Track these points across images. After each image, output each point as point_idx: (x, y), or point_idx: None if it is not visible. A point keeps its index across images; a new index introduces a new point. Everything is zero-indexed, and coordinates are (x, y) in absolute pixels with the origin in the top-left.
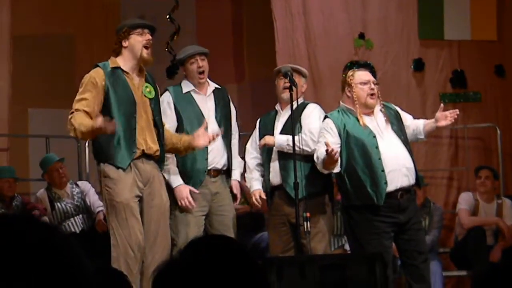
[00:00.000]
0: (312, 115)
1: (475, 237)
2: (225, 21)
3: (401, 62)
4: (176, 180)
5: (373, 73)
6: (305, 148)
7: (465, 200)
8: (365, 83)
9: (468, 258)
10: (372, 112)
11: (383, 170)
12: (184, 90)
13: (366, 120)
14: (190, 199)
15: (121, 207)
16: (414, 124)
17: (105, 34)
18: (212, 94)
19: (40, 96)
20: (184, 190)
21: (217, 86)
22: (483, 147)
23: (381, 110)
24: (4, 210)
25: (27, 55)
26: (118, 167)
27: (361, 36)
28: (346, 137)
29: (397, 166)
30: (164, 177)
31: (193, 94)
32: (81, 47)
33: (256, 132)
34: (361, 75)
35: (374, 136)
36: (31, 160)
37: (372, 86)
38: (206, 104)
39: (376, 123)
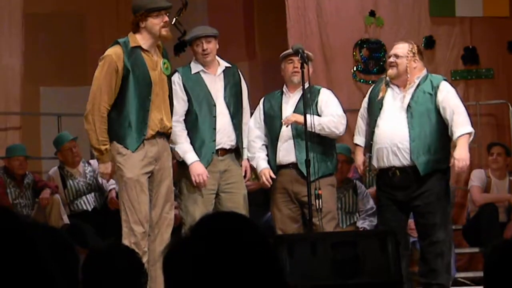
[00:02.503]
0: (332, 99)
1: (487, 214)
2: None
3: (411, 40)
4: (192, 157)
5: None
6: (334, 130)
7: (477, 177)
8: (389, 57)
9: (480, 235)
10: (404, 85)
11: (371, 142)
12: (193, 71)
13: (390, 93)
14: (205, 177)
15: (131, 183)
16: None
17: (117, 12)
18: (222, 74)
19: (52, 74)
20: (200, 167)
21: (227, 64)
22: (495, 124)
23: (417, 87)
24: (16, 188)
25: (39, 33)
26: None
27: (372, 13)
28: (368, 102)
29: (386, 144)
30: (176, 154)
31: (202, 74)
32: (92, 26)
33: (260, 112)
34: (393, 49)
35: (381, 108)
36: (43, 138)
37: (392, 59)
38: (215, 84)
39: (399, 97)
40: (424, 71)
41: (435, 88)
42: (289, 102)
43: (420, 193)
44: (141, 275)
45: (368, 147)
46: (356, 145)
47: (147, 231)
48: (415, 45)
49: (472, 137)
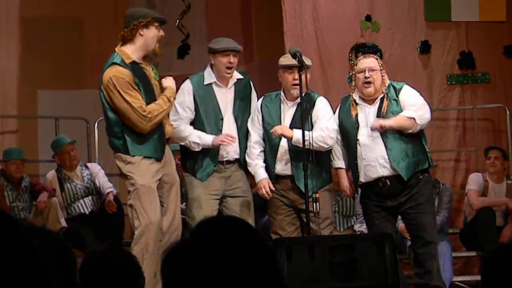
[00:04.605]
0: (325, 112)
1: (484, 218)
2: (234, 2)
3: (407, 44)
4: (209, 137)
5: (380, 56)
6: (322, 144)
7: (474, 181)
8: (361, 72)
9: (477, 239)
10: (374, 99)
11: (356, 161)
12: (206, 82)
13: (361, 108)
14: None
15: (144, 190)
16: None
17: (115, 16)
18: (233, 87)
19: (50, 77)
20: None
21: (239, 76)
22: (492, 128)
23: (384, 97)
24: (13, 191)
25: (36, 36)
26: (152, 157)
27: (368, 18)
28: (340, 123)
29: (372, 159)
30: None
31: (214, 86)
32: (90, 29)
33: (258, 116)
34: (360, 64)
35: (357, 127)
36: (40, 142)
37: (367, 74)
38: (226, 97)
39: (370, 111)
40: (388, 81)
41: (398, 91)
42: (287, 113)
43: (409, 196)
44: (138, 278)
45: (354, 166)
46: (338, 168)
47: (158, 236)
48: (378, 58)
49: (415, 125)
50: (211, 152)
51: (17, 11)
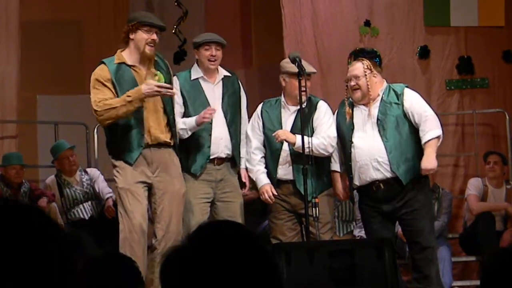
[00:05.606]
0: (326, 118)
1: (484, 223)
2: (234, 7)
3: (406, 49)
4: (191, 119)
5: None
6: (323, 152)
7: (474, 185)
8: (348, 80)
9: (477, 243)
10: (369, 102)
11: (350, 163)
12: (193, 77)
13: (357, 111)
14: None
15: (123, 193)
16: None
17: (114, 20)
18: (220, 82)
19: (49, 82)
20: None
21: (227, 73)
22: (491, 133)
23: (381, 100)
24: (12, 197)
25: (35, 41)
26: (126, 162)
27: (367, 23)
28: (337, 125)
29: (367, 161)
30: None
31: (201, 81)
32: (89, 34)
33: (259, 122)
34: (349, 71)
35: (352, 129)
36: (39, 147)
37: (352, 83)
38: (214, 92)
39: (366, 114)
40: (385, 83)
41: (400, 97)
42: (289, 118)
43: (404, 202)
44: (138, 283)
45: (348, 168)
46: (334, 171)
47: (142, 239)
48: (366, 61)
49: (441, 139)
50: (202, 145)
51: (17, 15)
